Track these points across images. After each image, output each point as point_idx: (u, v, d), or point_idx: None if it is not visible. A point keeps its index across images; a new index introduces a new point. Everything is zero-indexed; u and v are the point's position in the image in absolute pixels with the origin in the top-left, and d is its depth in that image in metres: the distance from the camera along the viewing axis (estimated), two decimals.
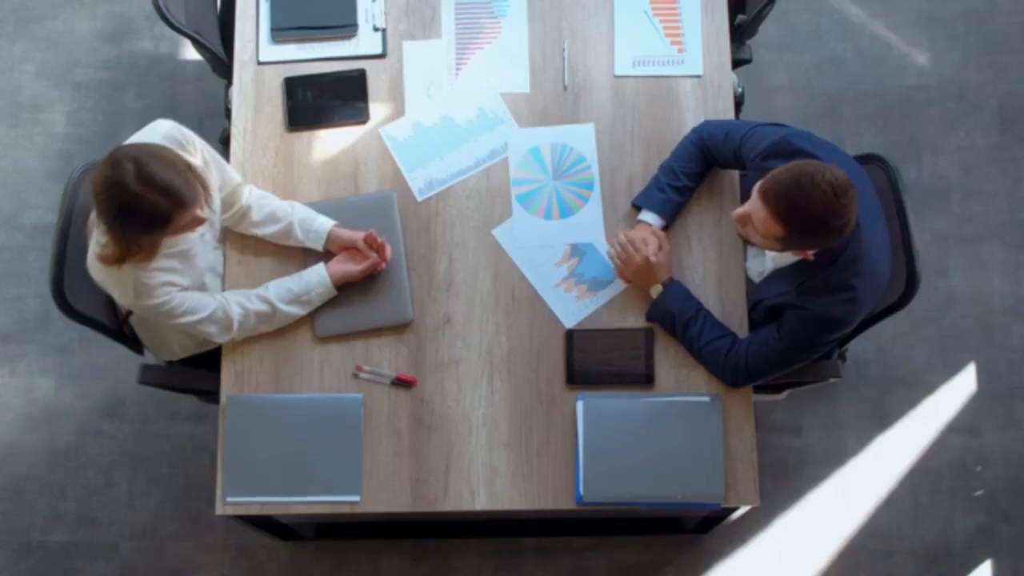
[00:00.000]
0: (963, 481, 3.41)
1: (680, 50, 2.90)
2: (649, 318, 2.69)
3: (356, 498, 2.60)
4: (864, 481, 3.41)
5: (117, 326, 2.77)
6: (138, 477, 3.41)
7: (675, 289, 2.66)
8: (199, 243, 2.54)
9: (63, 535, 3.37)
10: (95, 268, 2.44)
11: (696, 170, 2.73)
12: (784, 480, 3.40)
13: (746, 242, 2.49)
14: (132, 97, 3.76)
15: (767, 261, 2.63)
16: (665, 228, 2.73)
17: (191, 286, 2.55)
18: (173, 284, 2.49)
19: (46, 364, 3.51)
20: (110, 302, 2.73)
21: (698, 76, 2.88)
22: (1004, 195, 3.66)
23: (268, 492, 2.60)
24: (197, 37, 2.91)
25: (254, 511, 2.62)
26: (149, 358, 2.87)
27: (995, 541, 3.36)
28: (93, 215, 2.49)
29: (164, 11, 2.81)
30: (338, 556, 3.34)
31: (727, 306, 2.71)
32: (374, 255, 2.66)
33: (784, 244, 2.37)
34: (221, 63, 3.03)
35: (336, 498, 2.60)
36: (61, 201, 2.58)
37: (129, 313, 2.77)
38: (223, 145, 3.08)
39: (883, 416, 3.46)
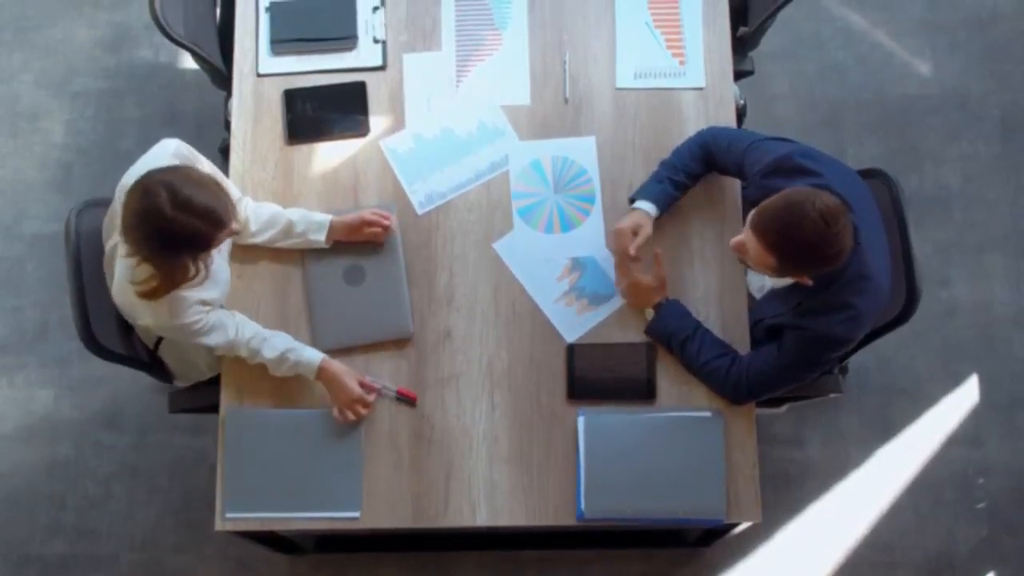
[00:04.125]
0: (965, 492, 3.40)
1: (682, 62, 2.89)
2: (648, 334, 2.69)
3: (356, 514, 2.59)
4: (866, 492, 3.40)
5: (149, 357, 2.73)
6: (137, 488, 3.40)
7: (670, 309, 2.65)
8: (218, 257, 2.53)
9: (62, 547, 3.36)
10: (127, 299, 2.39)
11: (696, 171, 2.71)
12: (786, 492, 3.39)
13: (744, 264, 2.49)
14: (131, 106, 3.75)
15: (766, 279, 2.62)
16: (659, 218, 2.69)
17: (218, 300, 2.53)
18: (205, 303, 2.47)
19: (45, 375, 3.50)
20: (130, 333, 2.70)
21: (700, 88, 2.87)
22: (1006, 204, 3.65)
23: (268, 508, 2.59)
24: (196, 49, 2.89)
25: (254, 527, 2.61)
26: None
27: (997, 553, 3.35)
28: (110, 249, 2.47)
29: (162, 23, 2.79)
30: (338, 568, 3.32)
31: (728, 320, 2.70)
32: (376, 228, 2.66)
33: (780, 272, 2.36)
34: (220, 75, 3.01)
35: (336, 514, 2.59)
36: (65, 246, 2.56)
37: (159, 341, 2.73)
38: (222, 155, 3.07)
39: (885, 427, 3.45)
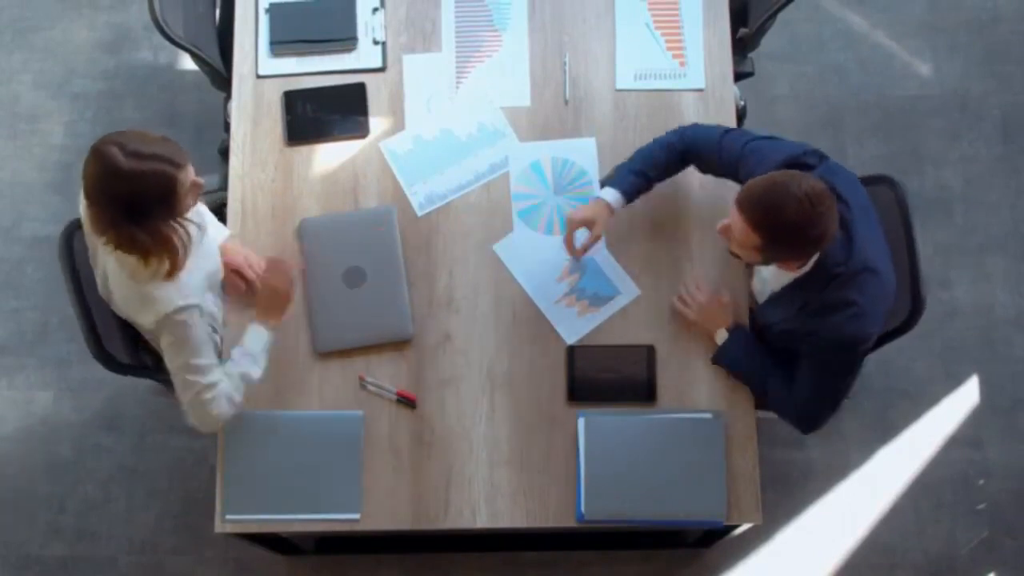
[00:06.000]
0: (966, 494, 3.39)
1: (682, 64, 2.88)
2: (714, 361, 2.67)
3: (356, 516, 2.59)
4: (866, 494, 3.40)
5: (156, 364, 2.69)
6: (137, 490, 3.40)
7: (739, 338, 2.64)
8: (204, 237, 2.50)
9: (62, 549, 3.36)
10: (119, 292, 2.39)
11: (674, 168, 2.68)
12: (786, 493, 3.38)
13: (735, 256, 2.48)
14: (130, 108, 3.74)
15: (766, 282, 2.62)
16: (627, 204, 2.67)
17: (216, 274, 2.53)
18: (197, 304, 2.42)
19: (44, 377, 3.50)
20: (137, 343, 2.68)
21: (700, 90, 2.87)
22: (1007, 206, 3.64)
23: (268, 510, 2.59)
24: (195, 50, 2.89)
25: (253, 529, 2.61)
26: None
27: (998, 554, 3.35)
28: (92, 247, 2.46)
29: (162, 24, 2.79)
30: (337, 570, 3.32)
31: None
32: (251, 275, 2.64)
33: (764, 255, 2.34)
34: (220, 76, 3.01)
35: (336, 516, 2.59)
36: (60, 261, 2.55)
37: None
38: (222, 157, 3.07)
39: (885, 428, 3.45)
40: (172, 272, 2.32)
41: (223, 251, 2.65)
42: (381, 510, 2.60)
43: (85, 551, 3.35)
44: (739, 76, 3.00)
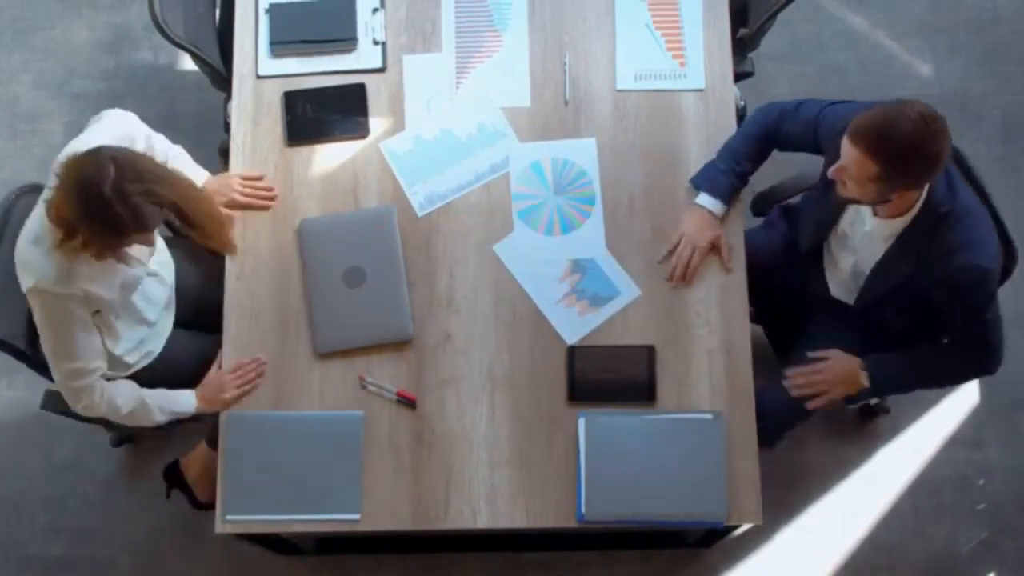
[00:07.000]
0: (965, 494, 3.39)
1: (682, 64, 2.88)
2: (878, 395, 2.71)
3: (356, 516, 2.59)
4: (866, 494, 3.39)
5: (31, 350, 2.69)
6: (137, 490, 3.39)
7: (879, 364, 2.63)
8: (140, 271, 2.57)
9: (61, 549, 3.36)
10: (23, 238, 2.43)
11: (759, 156, 2.72)
12: (786, 493, 3.38)
13: (849, 201, 2.46)
14: (130, 108, 3.63)
15: (871, 241, 2.56)
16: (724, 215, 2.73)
17: (114, 302, 2.52)
18: (92, 297, 2.45)
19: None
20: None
21: (700, 90, 2.87)
22: (1008, 206, 3.56)
23: (268, 510, 2.59)
24: (195, 51, 2.89)
25: (254, 529, 2.61)
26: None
27: (998, 555, 3.35)
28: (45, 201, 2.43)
29: (162, 24, 2.79)
30: (337, 570, 3.32)
31: (729, 320, 2.71)
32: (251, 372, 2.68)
33: (881, 186, 2.30)
34: (220, 76, 3.01)
35: (336, 516, 2.59)
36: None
37: None
38: (222, 157, 3.07)
39: (885, 428, 3.45)
40: (82, 250, 2.34)
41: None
42: (381, 510, 2.60)
43: (85, 551, 3.35)
44: (739, 76, 3.00)
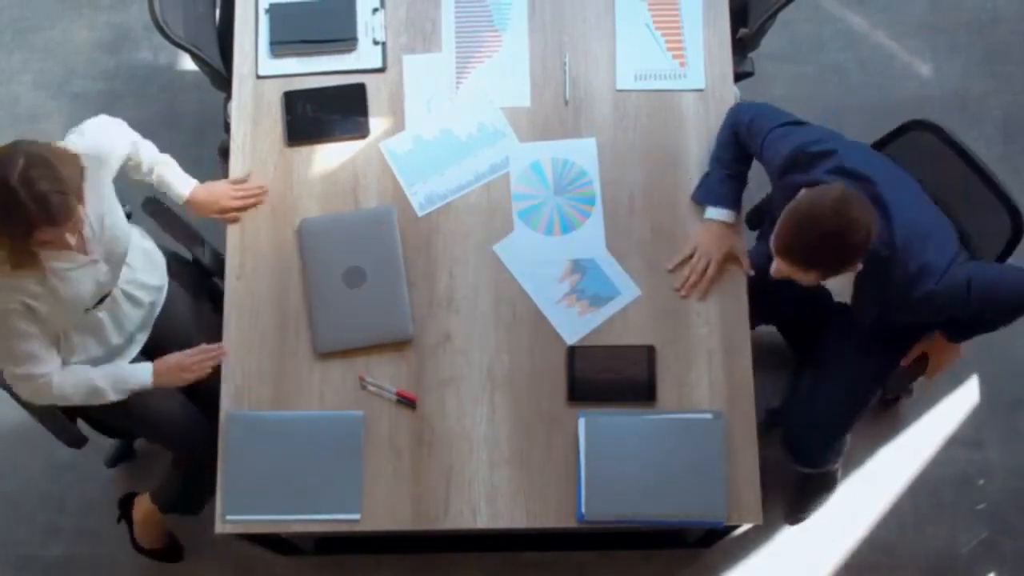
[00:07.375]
0: (965, 494, 3.39)
1: (682, 64, 2.88)
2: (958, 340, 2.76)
3: (356, 516, 2.59)
4: (866, 493, 3.39)
5: None
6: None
7: (960, 330, 2.72)
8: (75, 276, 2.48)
9: (62, 548, 3.36)
10: None
11: (744, 156, 2.72)
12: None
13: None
14: (130, 108, 3.74)
15: (836, 294, 2.67)
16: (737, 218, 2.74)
17: (50, 320, 2.46)
18: (34, 308, 2.40)
19: None
20: None
21: (700, 90, 2.87)
22: None
23: (268, 510, 2.59)
24: (195, 51, 2.89)
25: (254, 529, 2.61)
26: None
27: (998, 555, 3.35)
28: None
29: (162, 24, 2.79)
30: (337, 570, 3.32)
31: (728, 321, 2.71)
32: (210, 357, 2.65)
33: (824, 274, 2.35)
34: (220, 76, 3.01)
35: (336, 516, 2.59)
36: None
37: None
38: (222, 157, 3.06)
39: (886, 428, 3.45)
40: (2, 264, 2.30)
41: (194, 207, 2.74)
42: (381, 510, 2.60)
43: (85, 550, 3.35)
44: (739, 76, 3.00)
